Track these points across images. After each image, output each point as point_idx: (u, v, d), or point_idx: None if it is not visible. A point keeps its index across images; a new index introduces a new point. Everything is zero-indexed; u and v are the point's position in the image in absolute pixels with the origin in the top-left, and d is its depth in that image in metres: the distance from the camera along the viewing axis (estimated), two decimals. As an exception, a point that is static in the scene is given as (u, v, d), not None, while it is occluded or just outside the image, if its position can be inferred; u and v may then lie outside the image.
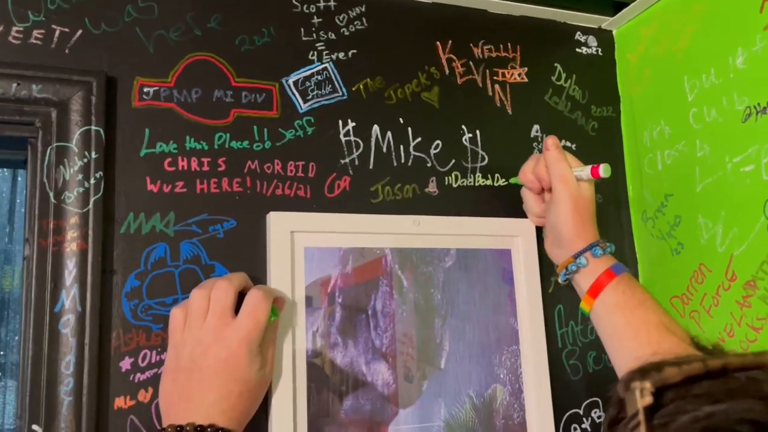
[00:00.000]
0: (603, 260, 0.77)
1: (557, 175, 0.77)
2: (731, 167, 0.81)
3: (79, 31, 0.74)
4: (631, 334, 0.72)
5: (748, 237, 0.78)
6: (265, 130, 0.80)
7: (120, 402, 0.69)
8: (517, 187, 0.87)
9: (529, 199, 0.85)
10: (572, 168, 0.78)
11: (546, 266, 0.89)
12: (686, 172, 0.87)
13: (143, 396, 0.70)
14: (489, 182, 0.91)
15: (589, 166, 0.77)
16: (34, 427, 0.64)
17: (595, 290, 0.76)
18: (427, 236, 0.84)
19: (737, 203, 0.80)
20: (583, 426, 0.89)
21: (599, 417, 0.91)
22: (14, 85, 0.69)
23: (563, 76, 0.98)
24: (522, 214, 0.88)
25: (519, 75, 0.95)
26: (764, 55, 0.77)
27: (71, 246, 0.67)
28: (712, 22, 0.84)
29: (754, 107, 0.78)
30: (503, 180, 0.91)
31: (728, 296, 0.81)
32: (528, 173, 0.82)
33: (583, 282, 0.78)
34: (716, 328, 0.82)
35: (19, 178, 1.95)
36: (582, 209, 0.78)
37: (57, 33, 0.73)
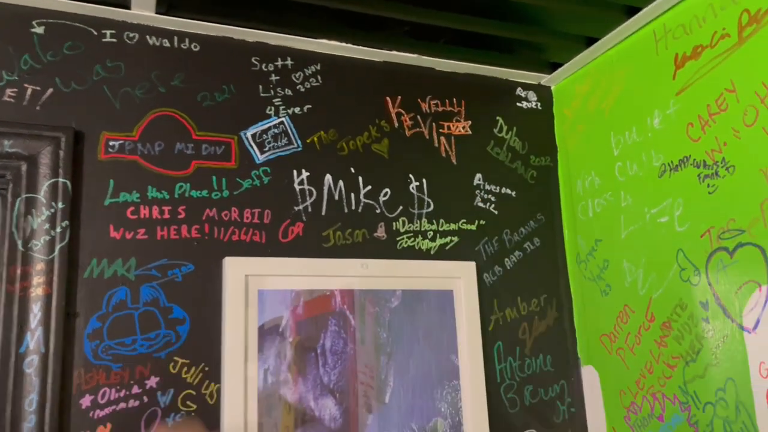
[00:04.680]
0: None
1: None
2: (650, 218, 0.89)
3: (50, 90, 0.80)
4: None
5: (664, 282, 0.86)
6: (224, 179, 0.86)
7: (79, 437, 0.74)
8: (462, 230, 0.94)
9: None
10: None
11: (486, 306, 0.96)
12: (612, 220, 0.95)
13: (102, 431, 0.75)
14: (434, 227, 0.98)
15: None
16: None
17: None
18: (375, 278, 0.91)
19: (655, 250, 0.88)
20: (520, 456, 0.95)
21: (536, 447, 0.98)
22: (-13, 141, 0.74)
23: (504, 128, 1.06)
24: (464, 257, 0.96)
25: (463, 128, 1.03)
26: (677, 117, 0.86)
27: (37, 291, 0.72)
28: (633, 85, 0.93)
29: (668, 164, 0.86)
30: (447, 225, 0.98)
31: (648, 336, 0.88)
32: None
33: None
34: (638, 365, 0.90)
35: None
36: None
37: (29, 91, 0.79)
